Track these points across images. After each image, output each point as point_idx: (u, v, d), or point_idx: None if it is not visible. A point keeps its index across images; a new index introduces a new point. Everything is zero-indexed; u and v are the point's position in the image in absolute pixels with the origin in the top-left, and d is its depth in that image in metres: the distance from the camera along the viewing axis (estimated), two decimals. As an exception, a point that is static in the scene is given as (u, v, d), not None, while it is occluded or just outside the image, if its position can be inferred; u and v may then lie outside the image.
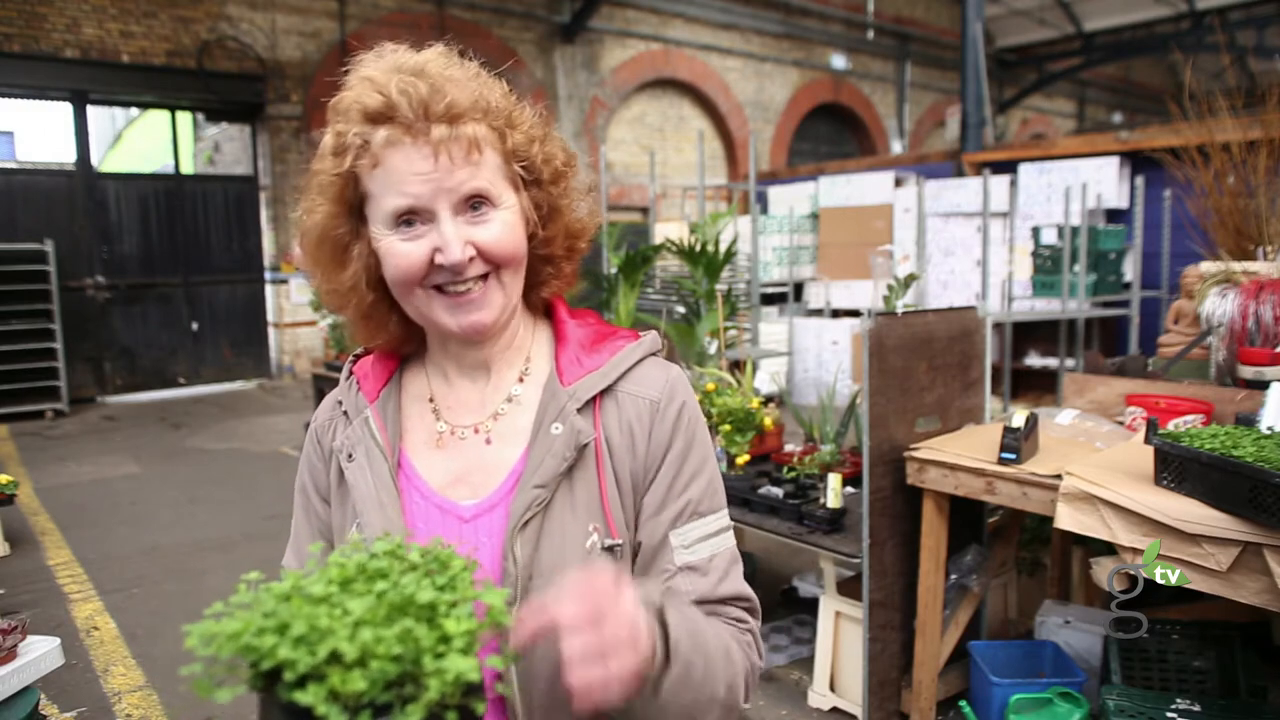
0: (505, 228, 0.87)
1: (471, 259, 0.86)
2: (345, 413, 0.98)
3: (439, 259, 0.85)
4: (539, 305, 1.02)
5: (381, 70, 0.85)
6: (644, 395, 0.94)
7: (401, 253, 0.85)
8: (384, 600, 0.64)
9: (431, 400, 0.98)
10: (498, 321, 0.90)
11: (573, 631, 0.67)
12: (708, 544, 0.92)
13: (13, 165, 9.38)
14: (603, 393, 0.93)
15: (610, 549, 0.89)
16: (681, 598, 0.89)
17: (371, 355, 1.02)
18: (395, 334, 0.97)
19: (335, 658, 0.60)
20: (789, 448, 3.50)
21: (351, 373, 1.01)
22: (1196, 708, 2.11)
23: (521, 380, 0.97)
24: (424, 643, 0.61)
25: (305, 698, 0.58)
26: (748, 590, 0.95)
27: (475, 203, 0.86)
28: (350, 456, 0.94)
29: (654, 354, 0.99)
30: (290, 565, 1.00)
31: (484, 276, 0.88)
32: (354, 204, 0.89)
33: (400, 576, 0.67)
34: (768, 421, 3.39)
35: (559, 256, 0.98)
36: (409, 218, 0.85)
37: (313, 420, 1.03)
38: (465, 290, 0.87)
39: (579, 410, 0.91)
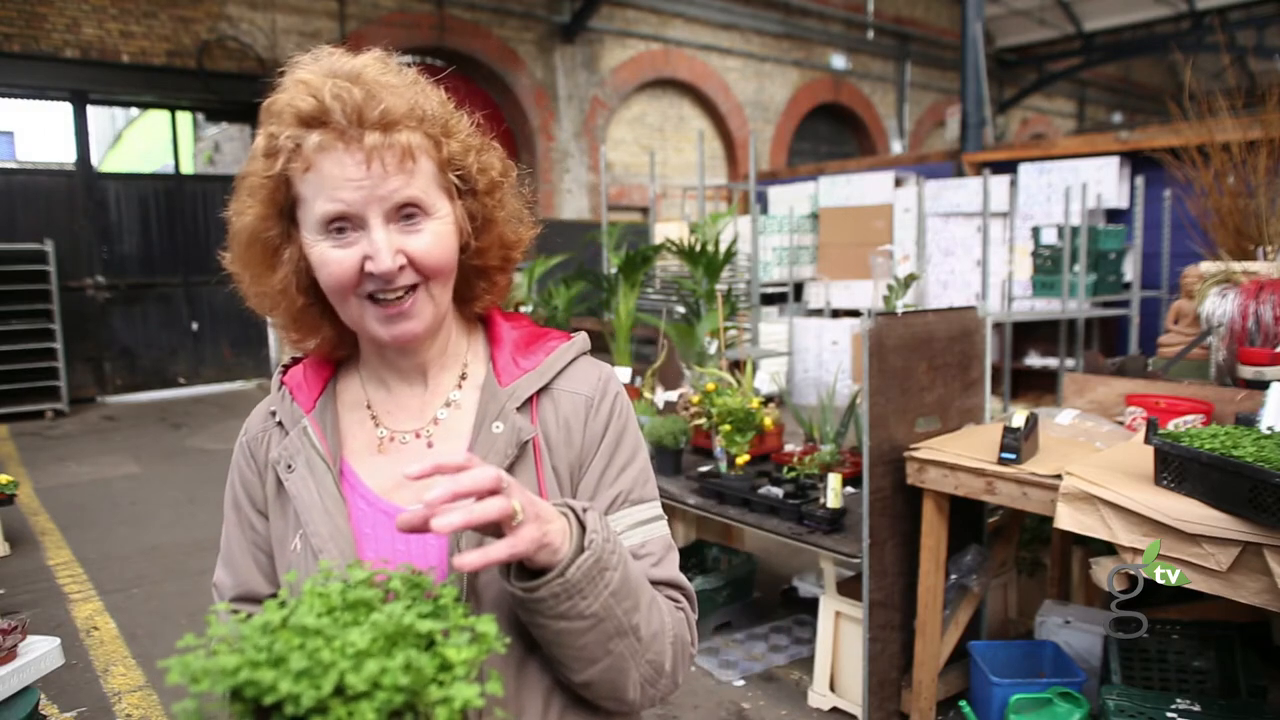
0: (436, 239, 0.87)
1: (402, 268, 0.85)
2: (280, 423, 0.97)
3: (369, 267, 0.84)
4: (474, 316, 1.03)
5: (316, 74, 0.83)
6: (579, 392, 0.97)
7: (334, 260, 0.85)
8: (381, 630, 0.64)
9: (369, 407, 0.98)
10: (428, 330, 0.91)
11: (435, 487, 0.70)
12: (640, 531, 0.95)
13: (13, 165, 9.41)
14: (539, 392, 0.96)
15: None
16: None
17: (302, 364, 1.02)
18: (328, 338, 0.97)
19: (337, 690, 0.60)
20: (789, 448, 3.50)
21: (282, 383, 1.01)
22: (1196, 708, 2.11)
23: (460, 385, 0.98)
24: (427, 672, 0.62)
25: None
26: (683, 579, 0.97)
27: (408, 212, 0.85)
28: (290, 467, 0.93)
29: (585, 353, 1.02)
30: (223, 582, 0.99)
31: (413, 287, 0.87)
32: (285, 207, 0.88)
33: (383, 605, 0.67)
34: (768, 421, 3.39)
35: (493, 268, 0.98)
36: (340, 224, 0.84)
37: (242, 434, 1.02)
38: (396, 299, 0.86)
39: (518, 409, 0.93)
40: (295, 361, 1.03)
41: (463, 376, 0.98)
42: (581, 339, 1.02)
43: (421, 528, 0.72)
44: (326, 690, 0.59)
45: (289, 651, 0.61)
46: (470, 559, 0.70)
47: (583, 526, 0.81)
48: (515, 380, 0.95)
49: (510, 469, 0.91)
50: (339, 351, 1.00)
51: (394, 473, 0.93)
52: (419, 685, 0.61)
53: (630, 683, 0.86)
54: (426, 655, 0.63)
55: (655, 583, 0.93)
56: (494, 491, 0.72)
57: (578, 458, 0.95)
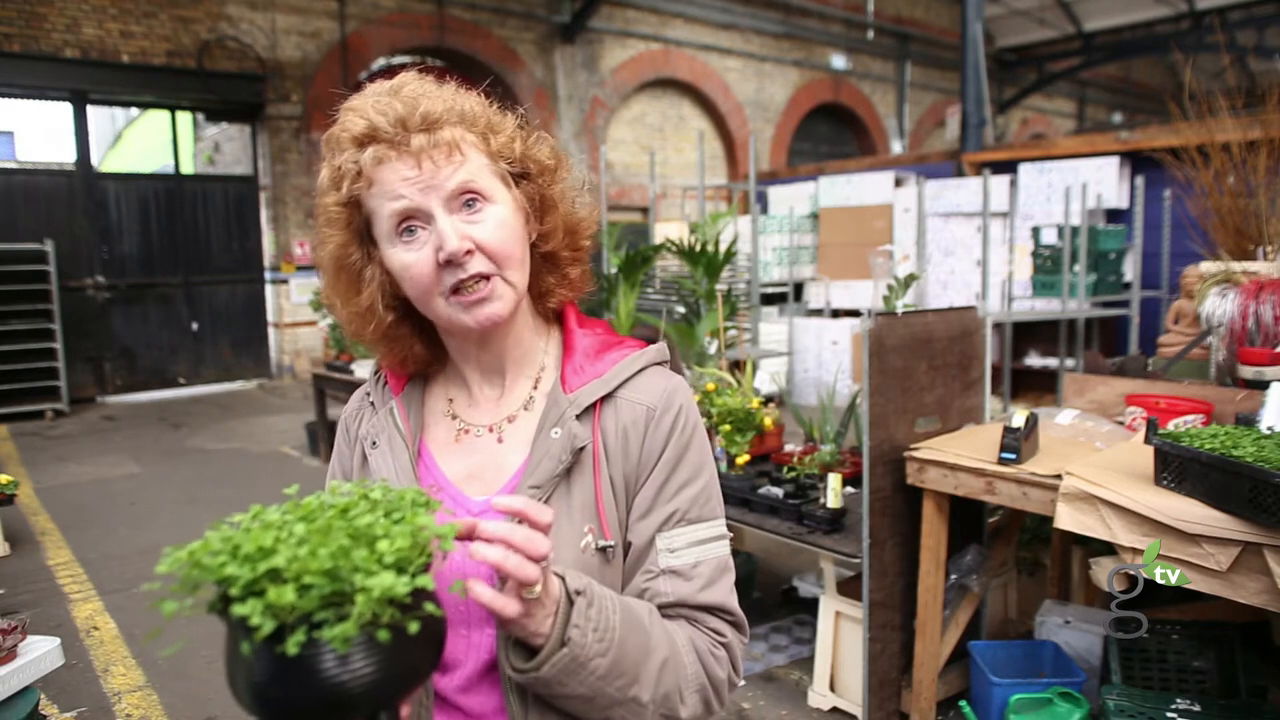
0: (500, 224, 0.91)
1: (469, 252, 0.88)
2: (372, 403, 1.05)
3: (441, 256, 0.88)
4: (551, 315, 1.06)
5: (361, 100, 0.90)
6: (641, 402, 0.97)
7: (411, 262, 0.89)
8: (329, 524, 0.67)
9: (451, 402, 1.03)
10: (510, 312, 0.93)
11: (495, 522, 0.74)
12: (694, 550, 0.95)
13: (13, 165, 9.38)
14: (604, 399, 0.96)
15: (603, 550, 0.92)
16: (656, 599, 0.93)
17: None
18: (418, 355, 1.02)
19: (276, 574, 0.63)
20: (789, 448, 3.50)
21: (379, 368, 1.08)
22: (1196, 708, 2.11)
23: (535, 388, 1.01)
24: (357, 561, 0.64)
25: (242, 609, 0.62)
26: (732, 604, 0.96)
27: (469, 199, 0.89)
28: (374, 444, 1.00)
29: (659, 364, 1.02)
30: None
31: (489, 276, 0.91)
32: (361, 230, 0.93)
33: (362, 512, 0.71)
34: (768, 421, 3.39)
35: (563, 257, 1.01)
36: (409, 224, 0.89)
37: (344, 410, 1.10)
38: (475, 287, 0.90)
39: (579, 416, 0.94)
40: None
41: (537, 380, 1.01)
42: (656, 349, 1.02)
43: (466, 536, 0.76)
44: (260, 571, 0.63)
45: (244, 541, 0.65)
46: (476, 589, 0.74)
47: (567, 619, 0.79)
48: (579, 388, 0.96)
49: (567, 474, 0.92)
50: (430, 368, 1.05)
51: (466, 464, 0.98)
52: (348, 572, 0.63)
53: None
54: (366, 549, 0.66)
55: (700, 607, 0.93)
56: (537, 558, 0.74)
57: (635, 469, 0.95)
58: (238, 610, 0.62)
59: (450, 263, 0.88)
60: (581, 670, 0.80)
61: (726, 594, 0.96)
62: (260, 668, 0.63)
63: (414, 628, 0.66)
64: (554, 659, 0.78)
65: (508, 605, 0.75)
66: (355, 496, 0.74)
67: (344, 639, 0.62)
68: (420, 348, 1.01)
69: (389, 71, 0.99)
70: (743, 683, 3.14)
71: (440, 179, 0.87)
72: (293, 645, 0.61)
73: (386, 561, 0.65)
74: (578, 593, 0.81)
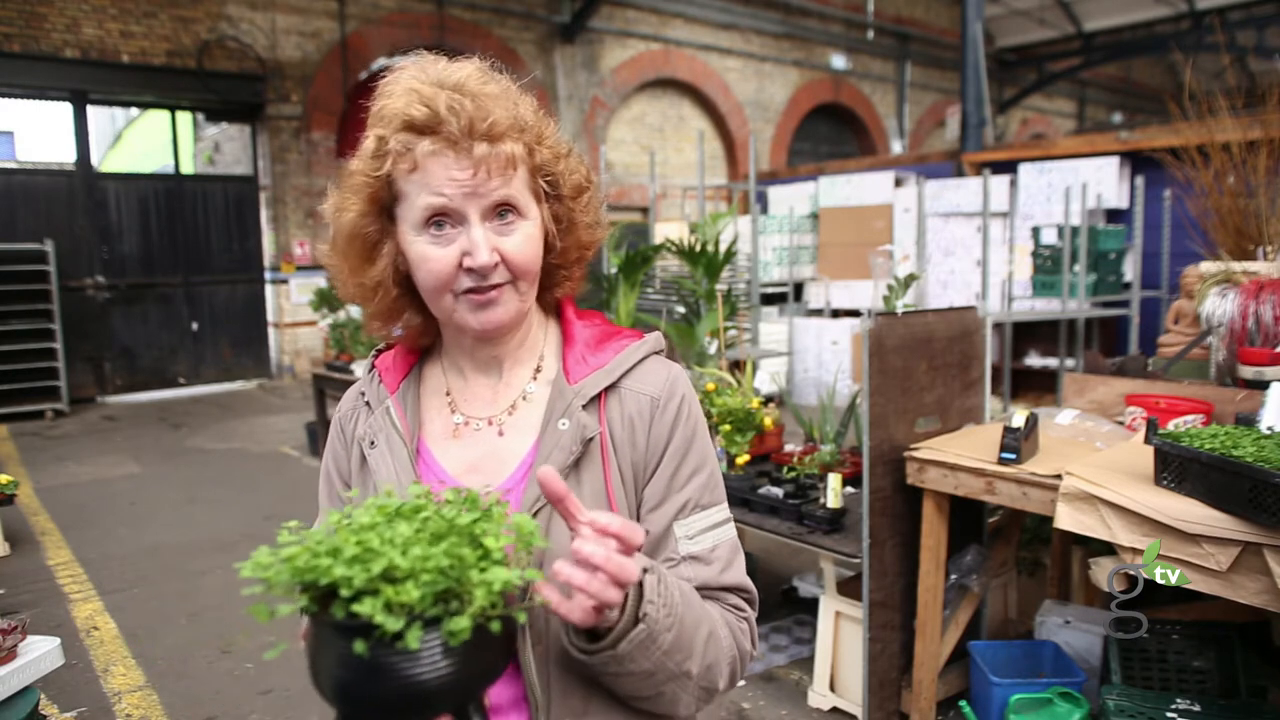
0: (527, 240, 0.92)
1: (496, 265, 0.90)
2: (368, 403, 1.04)
3: (467, 262, 0.89)
4: (550, 305, 1.07)
5: (427, 84, 0.88)
6: (645, 391, 0.98)
7: (434, 257, 0.90)
8: (427, 525, 0.70)
9: (448, 394, 1.03)
10: (513, 322, 0.95)
11: (589, 543, 0.74)
12: (710, 535, 0.97)
13: (13, 165, 9.38)
14: (607, 389, 0.98)
15: None
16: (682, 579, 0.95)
17: (392, 350, 1.08)
18: (414, 326, 1.02)
19: (386, 575, 0.65)
20: (789, 448, 3.50)
21: (373, 366, 1.07)
22: (1196, 708, 2.11)
23: (535, 378, 1.02)
24: (468, 558, 0.67)
25: (364, 609, 0.63)
26: (748, 581, 1.00)
27: (503, 211, 0.90)
28: (372, 444, 0.99)
29: (657, 353, 1.04)
30: None
31: (503, 284, 0.92)
32: (386, 205, 0.93)
33: (437, 511, 0.73)
34: (768, 421, 3.39)
35: (570, 262, 1.03)
36: (440, 220, 0.89)
37: (337, 410, 1.09)
38: (487, 289, 0.91)
39: (584, 406, 0.95)
40: (389, 347, 1.09)
41: (537, 370, 1.02)
42: (654, 338, 1.04)
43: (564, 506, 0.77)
44: (375, 571, 0.64)
45: (344, 544, 0.67)
46: (546, 591, 0.76)
47: (640, 595, 0.81)
48: (583, 378, 0.97)
49: (576, 465, 0.93)
50: (424, 339, 1.05)
51: (465, 456, 0.98)
52: (460, 569, 0.66)
53: (681, 705, 0.89)
54: (468, 546, 0.68)
55: (722, 588, 0.96)
56: (624, 584, 0.76)
57: (642, 458, 0.97)
58: (359, 609, 0.63)
59: (473, 270, 0.89)
60: (652, 645, 0.81)
61: (742, 574, 0.99)
62: (364, 666, 0.65)
63: (522, 618, 0.69)
64: (630, 635, 0.80)
65: (572, 612, 0.76)
66: (422, 498, 0.76)
67: (458, 632, 0.64)
68: (416, 319, 1.01)
69: (450, 55, 0.97)
70: (744, 682, 3.14)
71: (488, 189, 0.88)
72: (413, 640, 0.63)
73: (496, 557, 0.68)
74: (645, 570, 0.82)
